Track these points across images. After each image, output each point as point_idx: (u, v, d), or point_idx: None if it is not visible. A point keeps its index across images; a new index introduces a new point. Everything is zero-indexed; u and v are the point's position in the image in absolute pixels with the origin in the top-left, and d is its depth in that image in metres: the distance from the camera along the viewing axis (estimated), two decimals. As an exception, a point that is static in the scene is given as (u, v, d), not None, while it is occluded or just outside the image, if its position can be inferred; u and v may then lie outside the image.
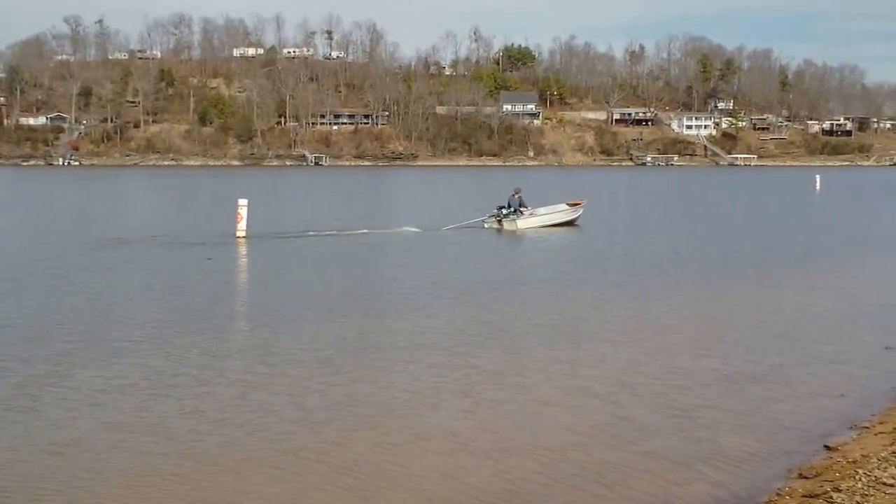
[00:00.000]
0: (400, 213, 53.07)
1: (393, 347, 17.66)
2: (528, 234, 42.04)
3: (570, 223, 44.89)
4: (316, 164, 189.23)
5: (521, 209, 43.55)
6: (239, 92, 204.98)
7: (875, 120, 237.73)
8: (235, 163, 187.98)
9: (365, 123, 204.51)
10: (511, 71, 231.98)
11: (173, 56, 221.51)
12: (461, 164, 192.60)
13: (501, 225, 42.88)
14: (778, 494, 10.22)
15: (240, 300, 24.54)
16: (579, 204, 46.53)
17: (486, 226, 43.23)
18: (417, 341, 18.11)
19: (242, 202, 37.81)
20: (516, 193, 44.02)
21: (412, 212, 49.84)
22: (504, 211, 43.31)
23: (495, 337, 18.73)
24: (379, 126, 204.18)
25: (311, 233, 40.31)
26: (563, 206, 45.94)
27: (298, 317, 20.87)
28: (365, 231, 41.34)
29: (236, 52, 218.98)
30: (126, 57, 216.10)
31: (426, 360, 16.50)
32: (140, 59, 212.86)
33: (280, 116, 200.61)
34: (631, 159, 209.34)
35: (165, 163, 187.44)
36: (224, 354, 17.10)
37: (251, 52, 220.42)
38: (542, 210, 45.04)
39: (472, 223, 43.26)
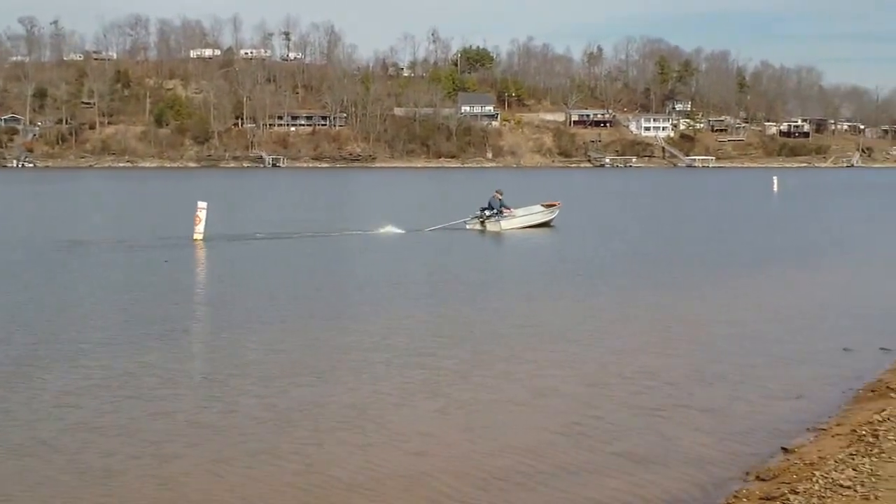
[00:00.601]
0: (374, 213, 52.93)
1: (359, 348, 17.54)
2: (509, 235, 42.21)
3: (546, 224, 45.28)
4: (273, 165, 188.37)
5: (504, 210, 43.86)
6: (196, 93, 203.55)
7: (832, 121, 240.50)
8: (192, 164, 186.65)
9: (323, 125, 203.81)
10: (469, 72, 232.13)
11: (129, 57, 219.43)
12: (419, 165, 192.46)
13: (484, 226, 43.16)
14: (735, 497, 10.22)
15: (199, 303, 24.22)
16: (555, 205, 46.94)
17: (467, 227, 43.47)
18: (385, 342, 18.00)
19: (202, 205, 37.48)
20: (498, 195, 44.26)
21: (390, 212, 49.68)
22: (487, 212, 43.55)
23: (464, 337, 18.69)
24: (337, 128, 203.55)
25: (284, 235, 40.22)
26: (540, 208, 46.25)
27: (260, 318, 20.68)
28: (350, 231, 41.57)
29: (193, 54, 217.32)
30: (81, 58, 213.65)
31: (394, 361, 16.41)
32: (96, 60, 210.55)
33: (237, 118, 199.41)
34: (589, 161, 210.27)
35: (121, 164, 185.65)
36: (186, 357, 16.94)
37: (208, 53, 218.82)
38: (520, 211, 45.27)
39: (455, 224, 43.50)
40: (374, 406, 13.78)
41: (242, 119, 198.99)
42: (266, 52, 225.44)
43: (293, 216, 54.55)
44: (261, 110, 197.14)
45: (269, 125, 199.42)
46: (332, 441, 12.16)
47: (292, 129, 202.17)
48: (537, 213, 45.75)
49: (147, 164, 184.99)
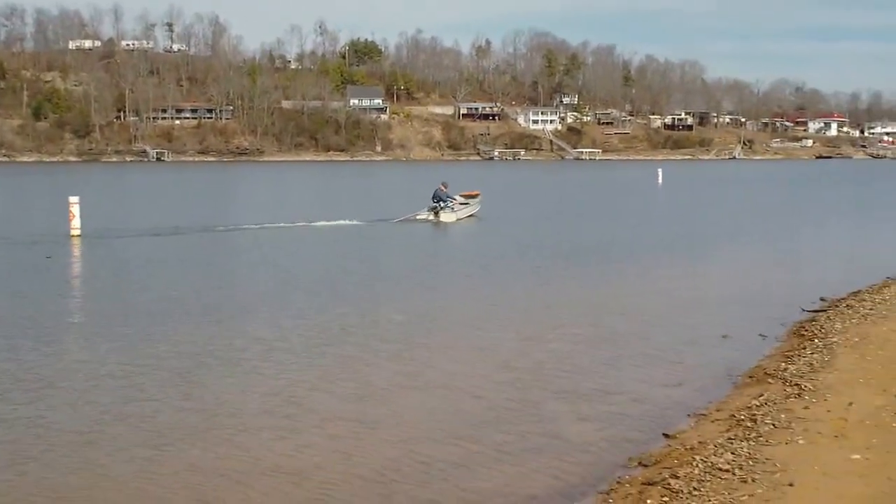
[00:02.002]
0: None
1: (250, 345, 17.26)
2: (456, 224, 43.93)
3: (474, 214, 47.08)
4: (158, 159, 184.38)
5: (452, 200, 45.45)
6: (75, 86, 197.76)
7: (715, 115, 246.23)
8: (73, 159, 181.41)
9: (208, 118, 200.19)
10: (357, 65, 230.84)
11: (5, 48, 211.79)
12: (308, 159, 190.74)
13: (438, 216, 44.36)
14: (618, 482, 10.30)
15: (79, 300, 23.51)
16: (476, 195, 48.42)
17: (419, 217, 44.64)
18: (287, 338, 17.75)
19: (74, 199, 36.39)
20: (443, 187, 45.69)
21: (286, 206, 48.63)
22: (441, 204, 44.81)
23: (360, 327, 18.49)
24: (223, 121, 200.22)
25: (167, 231, 39.17)
26: (461, 199, 47.12)
27: (137, 314, 20.14)
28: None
29: (72, 45, 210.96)
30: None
31: (301, 355, 16.16)
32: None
33: (119, 111, 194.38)
34: (478, 154, 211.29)
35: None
36: (70, 355, 16.38)
37: (88, 44, 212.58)
38: (460, 201, 46.60)
39: (414, 216, 44.66)
40: (281, 399, 13.60)
41: (125, 112, 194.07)
42: (148, 43, 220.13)
43: (178, 211, 53.46)
44: (144, 103, 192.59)
45: (153, 118, 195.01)
46: (215, 441, 11.92)
47: (177, 122, 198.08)
48: (473, 204, 47.21)
49: (25, 159, 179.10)
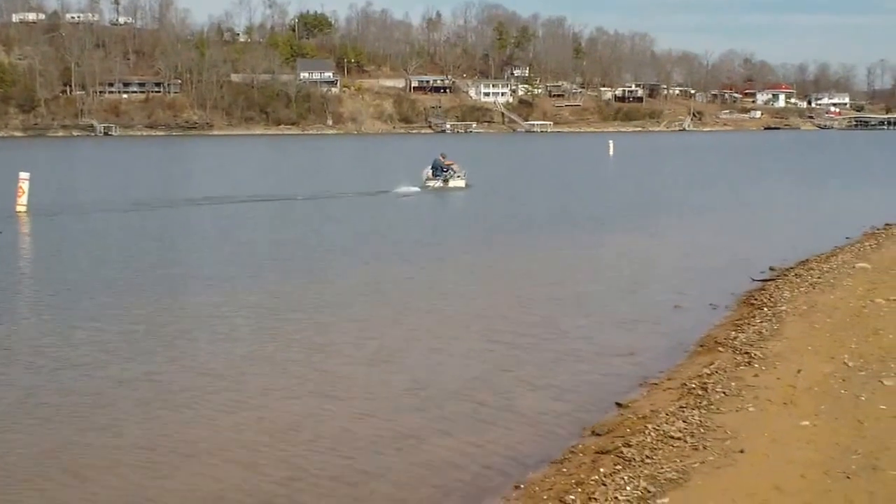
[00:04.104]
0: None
1: (197, 318, 17.11)
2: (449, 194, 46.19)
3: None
4: (106, 134, 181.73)
5: (452, 170, 48.64)
6: (19, 59, 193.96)
7: (664, 87, 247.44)
8: (18, 134, 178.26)
9: (157, 92, 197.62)
10: (307, 38, 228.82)
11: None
12: (258, 133, 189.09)
13: (447, 184, 47.74)
14: (572, 451, 10.39)
15: (28, 276, 23.16)
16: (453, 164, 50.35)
17: (432, 185, 47.73)
18: (237, 311, 17.62)
19: (24, 176, 35.86)
20: (444, 157, 49.49)
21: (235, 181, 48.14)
22: (445, 173, 48.12)
23: (308, 304, 18.43)
24: (171, 95, 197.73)
25: (116, 208, 38.69)
26: (458, 167, 49.69)
27: (85, 292, 19.92)
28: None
29: (15, 18, 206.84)
30: None
31: (255, 327, 16.06)
32: None
33: (65, 85, 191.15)
34: (430, 127, 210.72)
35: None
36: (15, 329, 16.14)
37: (31, 17, 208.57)
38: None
39: (426, 185, 47.57)
40: (219, 378, 13.50)
41: (71, 86, 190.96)
42: (94, 16, 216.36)
43: (126, 186, 52.83)
44: (90, 77, 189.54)
45: (100, 92, 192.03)
46: (159, 417, 11.82)
47: (124, 96, 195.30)
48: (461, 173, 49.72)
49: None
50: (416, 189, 46.30)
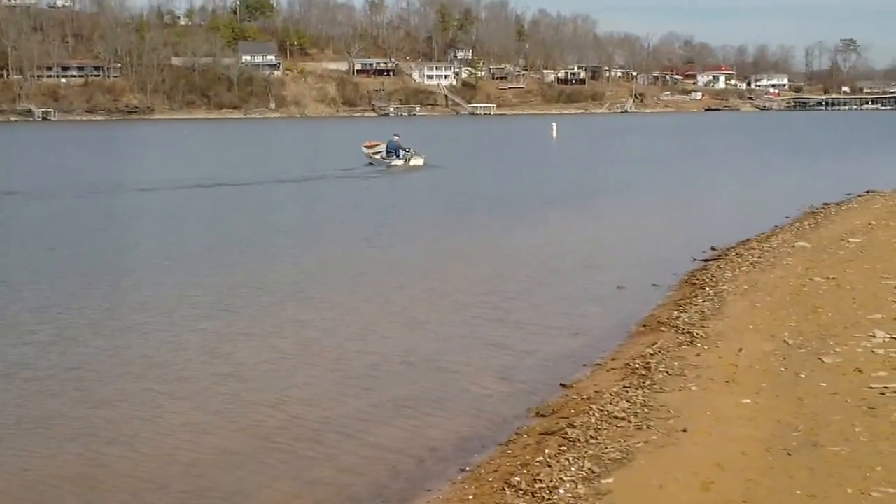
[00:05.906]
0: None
1: (141, 306, 16.87)
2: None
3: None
4: (44, 118, 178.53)
5: (408, 149, 50.72)
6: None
7: (607, 69, 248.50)
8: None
9: (96, 76, 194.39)
10: (249, 21, 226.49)
11: None
12: (200, 117, 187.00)
13: (408, 163, 49.87)
14: (517, 433, 10.39)
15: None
16: (377, 145, 52.60)
17: (392, 164, 49.76)
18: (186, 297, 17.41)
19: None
20: (397, 137, 51.67)
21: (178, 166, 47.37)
22: (403, 153, 50.22)
23: (258, 290, 18.26)
24: (111, 79, 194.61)
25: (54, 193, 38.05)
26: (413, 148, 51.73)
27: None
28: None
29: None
30: None
31: (204, 312, 15.87)
32: None
33: (1, 69, 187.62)
34: (374, 110, 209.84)
35: None
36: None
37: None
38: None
39: (388, 164, 49.77)
40: (158, 363, 13.31)
41: (7, 70, 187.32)
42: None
43: (64, 171, 51.99)
44: (27, 61, 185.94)
45: (38, 77, 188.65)
46: (100, 403, 11.67)
47: (63, 80, 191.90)
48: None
49: None
50: (400, 161, 49.45)
